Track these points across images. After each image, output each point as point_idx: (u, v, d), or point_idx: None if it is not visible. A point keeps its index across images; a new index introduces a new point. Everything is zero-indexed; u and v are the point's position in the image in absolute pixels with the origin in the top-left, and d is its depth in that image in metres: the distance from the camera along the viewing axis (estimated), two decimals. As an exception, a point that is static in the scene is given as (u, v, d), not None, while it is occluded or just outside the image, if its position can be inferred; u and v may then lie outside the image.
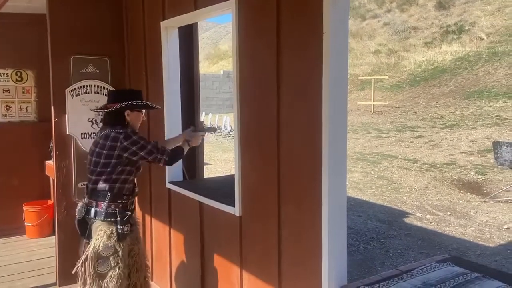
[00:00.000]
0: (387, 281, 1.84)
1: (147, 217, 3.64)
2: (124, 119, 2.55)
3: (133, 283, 2.65)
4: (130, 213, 2.53)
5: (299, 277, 2.05)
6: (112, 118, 2.54)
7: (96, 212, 2.46)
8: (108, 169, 2.45)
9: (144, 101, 2.67)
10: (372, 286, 1.79)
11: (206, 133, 3.01)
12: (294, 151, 2.04)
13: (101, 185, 2.47)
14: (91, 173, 2.51)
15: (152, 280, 3.54)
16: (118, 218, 2.45)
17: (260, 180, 2.27)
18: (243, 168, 2.39)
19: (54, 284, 3.59)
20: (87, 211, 2.49)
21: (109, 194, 2.46)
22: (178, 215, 3.20)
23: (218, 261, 2.72)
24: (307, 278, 1.98)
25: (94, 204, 2.47)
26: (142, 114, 2.69)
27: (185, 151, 2.72)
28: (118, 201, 2.49)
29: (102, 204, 2.46)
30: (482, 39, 21.36)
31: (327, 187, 1.80)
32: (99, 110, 2.74)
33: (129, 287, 2.63)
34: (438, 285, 1.78)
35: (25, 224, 4.76)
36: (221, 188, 2.93)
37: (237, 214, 2.42)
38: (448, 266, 1.99)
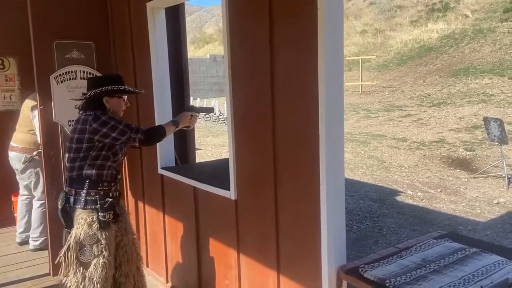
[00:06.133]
0: (386, 259, 1.84)
1: (140, 204, 3.59)
2: (103, 106, 2.39)
3: (125, 274, 2.60)
4: (111, 199, 2.40)
5: (298, 258, 2.04)
6: (90, 106, 2.39)
7: (75, 200, 2.35)
8: (81, 155, 2.32)
9: (122, 86, 2.45)
10: (372, 264, 1.78)
11: (200, 113, 2.77)
12: (290, 132, 2.01)
13: (78, 172, 2.35)
14: (67, 160, 2.40)
15: (148, 267, 3.52)
16: (99, 205, 2.34)
17: (255, 163, 2.24)
18: (237, 151, 2.35)
19: (48, 274, 3.54)
20: (67, 200, 2.38)
21: (87, 181, 2.34)
22: (172, 201, 3.16)
23: (215, 245, 2.70)
24: (306, 259, 1.97)
25: (73, 192, 2.36)
26: (124, 100, 2.50)
27: (170, 131, 2.50)
28: (99, 188, 2.37)
29: (81, 192, 2.34)
30: (467, 16, 21.42)
31: (325, 166, 1.77)
32: (77, 99, 2.55)
33: (120, 277, 2.59)
34: (438, 261, 1.78)
35: (15, 215, 4.67)
36: (214, 172, 2.89)
37: (233, 198, 2.39)
38: (446, 242, 1.99)
